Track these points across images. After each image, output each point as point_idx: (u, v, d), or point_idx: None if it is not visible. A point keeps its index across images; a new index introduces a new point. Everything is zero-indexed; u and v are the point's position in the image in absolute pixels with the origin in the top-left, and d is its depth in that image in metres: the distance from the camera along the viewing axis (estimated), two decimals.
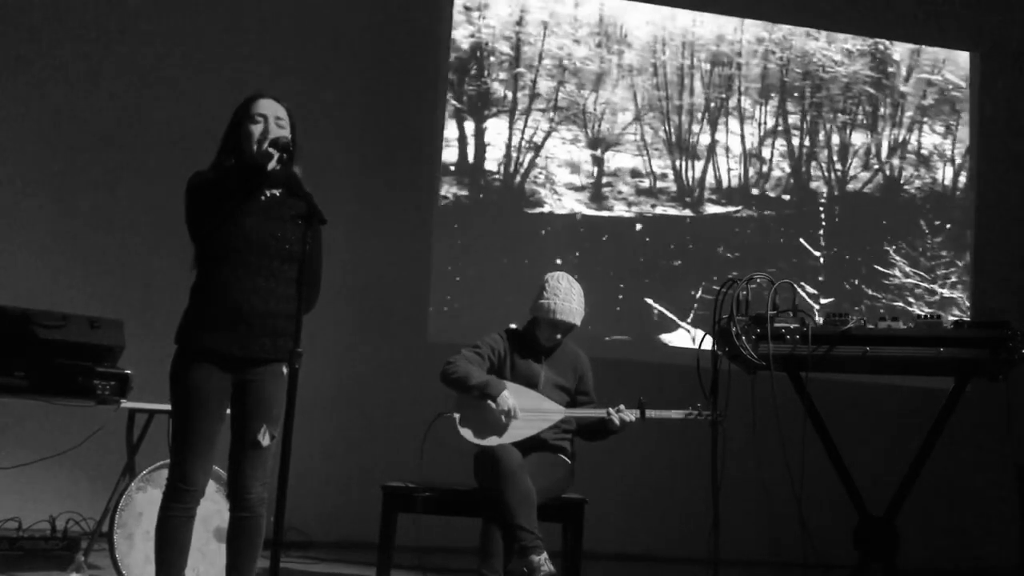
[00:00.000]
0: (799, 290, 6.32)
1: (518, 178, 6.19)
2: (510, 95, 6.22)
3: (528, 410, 3.98)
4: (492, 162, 6.21)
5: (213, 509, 3.73)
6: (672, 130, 6.43)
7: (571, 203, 6.23)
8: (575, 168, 6.28)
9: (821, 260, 6.54)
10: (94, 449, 4.26)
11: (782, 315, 3.89)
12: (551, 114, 6.27)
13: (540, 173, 6.23)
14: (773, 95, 6.63)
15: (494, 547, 3.88)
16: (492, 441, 3.93)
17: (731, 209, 6.48)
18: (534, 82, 6.23)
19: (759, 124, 6.59)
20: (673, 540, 5.66)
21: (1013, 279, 6.52)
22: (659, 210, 6.36)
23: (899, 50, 6.80)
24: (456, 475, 4.06)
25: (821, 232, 6.58)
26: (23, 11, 5.57)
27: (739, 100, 6.56)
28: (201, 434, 2.91)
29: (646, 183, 6.37)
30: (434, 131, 6.16)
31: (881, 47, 6.77)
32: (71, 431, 4.30)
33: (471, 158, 6.18)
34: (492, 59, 6.20)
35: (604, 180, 6.31)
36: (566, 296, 4.10)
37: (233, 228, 2.91)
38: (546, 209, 6.21)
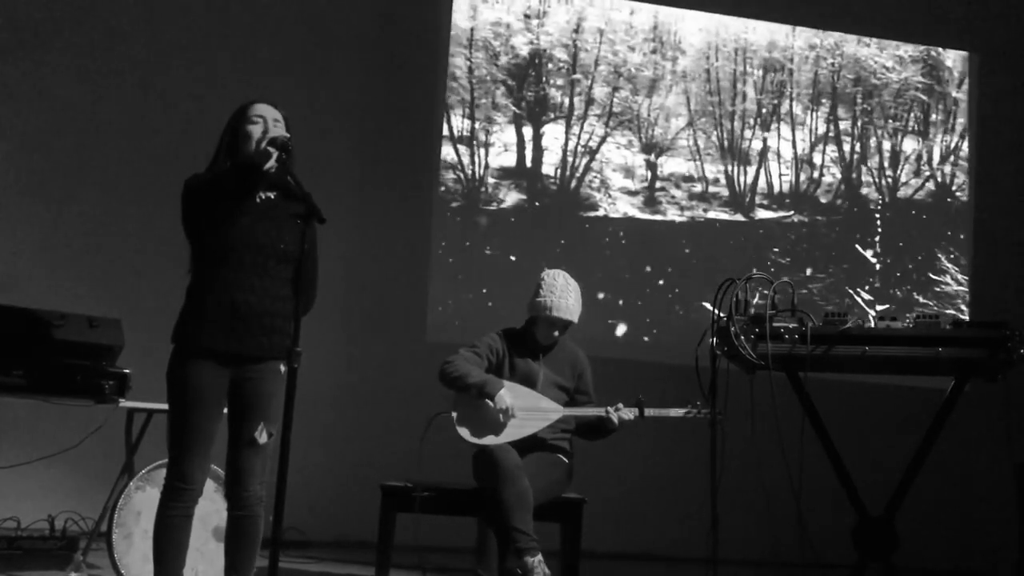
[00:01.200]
0: (856, 296, 6.40)
1: (574, 182, 6.31)
2: (567, 101, 6.35)
3: (526, 409, 3.98)
4: (549, 166, 6.34)
5: (212, 509, 3.73)
6: (724, 135, 6.54)
7: (625, 207, 6.36)
8: (629, 173, 6.40)
9: (877, 267, 6.61)
10: (93, 448, 4.26)
11: (781, 315, 3.88)
12: (606, 119, 6.39)
13: (595, 177, 6.35)
14: (824, 101, 6.71)
15: (490, 547, 3.89)
16: (489, 440, 3.92)
17: (782, 214, 6.58)
18: (590, 88, 6.38)
19: (810, 130, 6.68)
20: (672, 540, 5.66)
21: (1012, 280, 6.53)
22: (711, 215, 6.47)
23: (951, 56, 6.84)
24: (455, 475, 4.05)
25: (877, 238, 6.65)
26: (23, 11, 5.56)
27: (790, 106, 6.66)
28: (199, 432, 2.91)
29: (698, 188, 6.49)
30: (434, 130, 6.16)
31: (934, 53, 6.82)
32: (70, 430, 4.29)
33: (528, 162, 6.29)
34: (550, 66, 6.35)
35: (657, 185, 6.43)
36: (562, 293, 4.09)
37: (228, 229, 2.92)
38: (600, 213, 6.33)
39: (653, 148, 6.43)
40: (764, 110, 6.61)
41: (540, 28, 6.31)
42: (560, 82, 6.35)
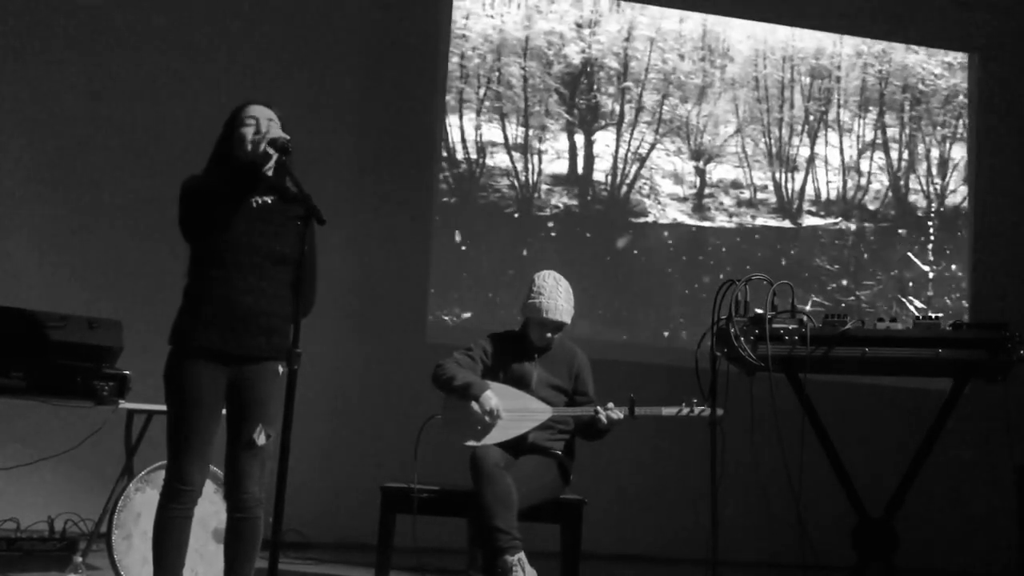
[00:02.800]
0: (908, 304, 6.40)
1: (624, 188, 6.38)
2: (617, 108, 6.43)
3: (513, 410, 3.98)
4: (600, 173, 6.39)
5: (211, 510, 3.73)
6: (772, 142, 6.60)
7: (674, 213, 6.43)
8: (678, 179, 6.47)
9: (930, 274, 6.65)
10: (92, 450, 4.26)
11: (781, 316, 3.88)
12: (656, 126, 6.47)
13: (645, 184, 6.41)
14: (872, 108, 6.75)
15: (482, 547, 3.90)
16: (474, 442, 3.93)
17: (830, 221, 6.62)
18: (640, 96, 6.46)
19: (858, 137, 6.72)
20: (671, 541, 5.66)
21: (1011, 280, 6.53)
22: (759, 221, 6.53)
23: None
24: (455, 476, 4.05)
25: (930, 246, 6.68)
26: (23, 11, 5.57)
27: (838, 113, 6.70)
28: (198, 433, 2.91)
29: (747, 194, 6.54)
30: (434, 130, 6.16)
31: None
32: (69, 432, 4.29)
33: (580, 169, 6.37)
34: (601, 74, 6.42)
35: (706, 191, 6.49)
36: (552, 295, 4.09)
37: (225, 231, 2.92)
38: (650, 219, 6.40)
39: (702, 155, 6.52)
40: (812, 117, 6.68)
41: (592, 37, 6.42)
42: (611, 90, 6.45)
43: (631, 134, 6.42)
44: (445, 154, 6.18)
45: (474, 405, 3.94)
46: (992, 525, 5.88)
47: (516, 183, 6.26)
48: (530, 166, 6.29)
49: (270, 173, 2.97)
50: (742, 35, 6.62)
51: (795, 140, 6.63)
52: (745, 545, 5.16)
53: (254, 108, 3.04)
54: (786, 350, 3.84)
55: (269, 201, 3.02)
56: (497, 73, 6.28)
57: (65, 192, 5.51)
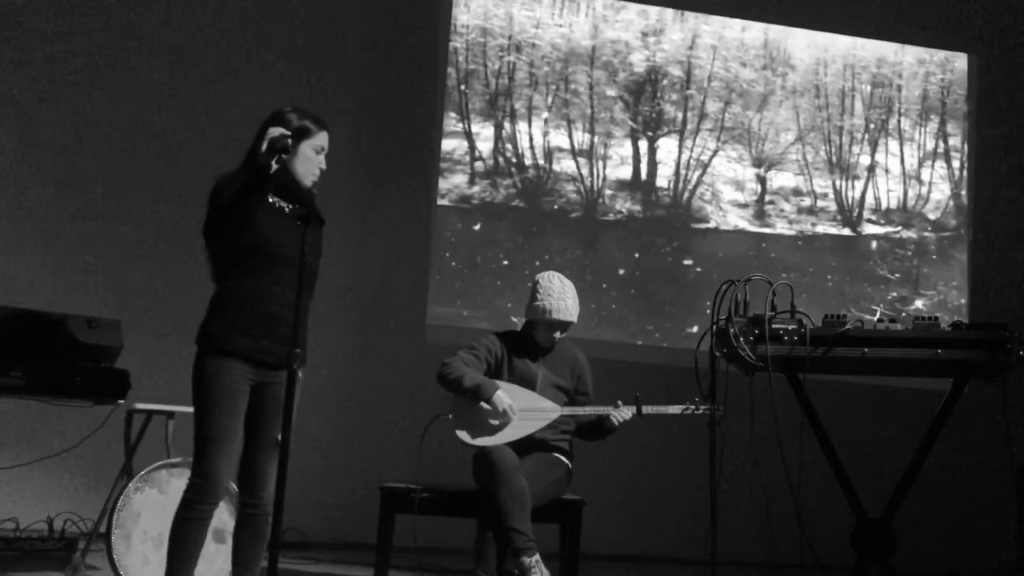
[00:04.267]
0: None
1: (686, 194, 6.45)
2: (680, 116, 6.52)
3: (524, 409, 3.98)
4: (663, 179, 6.48)
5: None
6: (833, 150, 6.67)
7: (735, 219, 6.50)
8: (739, 186, 6.54)
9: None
10: (92, 449, 4.26)
11: (780, 316, 3.88)
12: (718, 134, 6.54)
13: (706, 190, 6.48)
14: (933, 117, 6.78)
15: (489, 548, 3.89)
16: (487, 441, 3.92)
17: (890, 229, 6.67)
18: (703, 103, 6.55)
19: (919, 145, 6.76)
20: (671, 541, 5.66)
21: (1012, 279, 6.53)
22: (819, 228, 6.59)
23: None
24: (454, 476, 4.05)
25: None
26: (27, 13, 5.57)
27: (899, 121, 6.75)
28: (228, 434, 2.94)
29: (807, 202, 6.61)
30: (433, 130, 6.17)
31: None
32: (69, 431, 4.29)
33: (644, 175, 6.45)
34: (665, 82, 6.52)
35: (767, 198, 6.56)
36: (560, 296, 4.09)
37: (248, 232, 2.93)
38: (712, 224, 6.48)
39: (763, 162, 6.59)
40: (872, 125, 6.73)
41: (656, 46, 6.52)
42: (675, 97, 6.54)
43: (693, 141, 6.52)
44: (514, 160, 6.30)
45: (485, 405, 3.94)
46: (992, 525, 5.89)
47: (582, 188, 6.37)
48: (595, 172, 6.39)
49: (275, 166, 2.95)
50: (803, 43, 6.72)
51: (855, 148, 6.69)
52: (744, 545, 5.16)
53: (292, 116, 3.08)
54: (786, 350, 3.84)
55: (282, 202, 3.04)
56: (564, 81, 6.41)
57: (65, 192, 5.51)
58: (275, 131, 2.95)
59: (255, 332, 2.95)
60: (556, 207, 6.31)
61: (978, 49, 6.85)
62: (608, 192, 6.39)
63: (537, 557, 3.63)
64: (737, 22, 6.63)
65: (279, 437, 2.93)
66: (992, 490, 5.86)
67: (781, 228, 6.53)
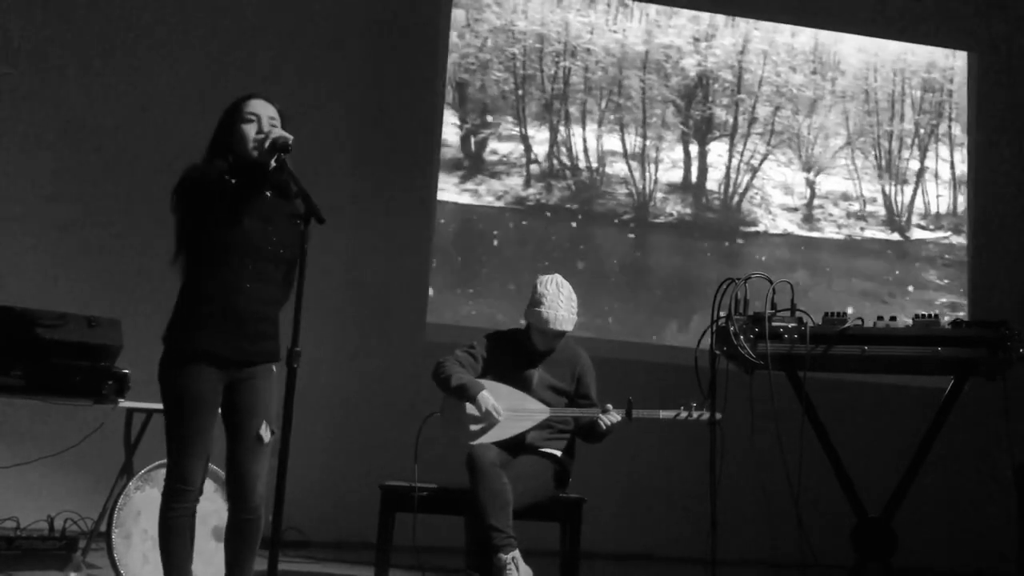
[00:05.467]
0: None
1: (736, 198, 6.52)
2: (731, 120, 6.59)
3: (511, 410, 3.98)
4: (713, 182, 6.54)
5: (211, 509, 3.72)
6: (882, 155, 6.70)
7: (784, 223, 6.56)
8: (789, 190, 6.60)
9: None
10: (92, 449, 4.26)
11: (780, 314, 3.88)
12: (768, 138, 6.60)
13: (756, 194, 6.54)
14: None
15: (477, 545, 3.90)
16: (472, 441, 3.93)
17: (939, 235, 6.69)
18: (753, 107, 6.62)
19: (969, 151, 6.76)
20: (671, 540, 5.66)
21: (1011, 279, 6.53)
22: (868, 233, 6.63)
23: None
24: (455, 475, 4.05)
25: None
26: (23, 11, 5.56)
27: (949, 127, 6.77)
28: (197, 434, 2.90)
29: (856, 206, 6.65)
30: (433, 131, 6.17)
31: None
32: (69, 431, 4.29)
33: (694, 178, 6.53)
34: (716, 86, 6.58)
35: (816, 202, 6.61)
36: (552, 304, 4.07)
37: (231, 228, 2.89)
38: (761, 228, 6.54)
39: (812, 166, 6.65)
40: (922, 130, 6.76)
41: (708, 50, 6.60)
42: (725, 101, 6.61)
43: (744, 145, 6.59)
44: (568, 163, 6.37)
45: (470, 405, 3.94)
46: (992, 525, 5.88)
47: (633, 191, 6.43)
48: (647, 175, 6.45)
49: (272, 165, 2.94)
50: (853, 48, 6.76)
51: (905, 153, 6.72)
52: (744, 544, 5.16)
53: (255, 103, 3.00)
54: (786, 348, 3.84)
55: (269, 195, 2.99)
56: (618, 85, 6.48)
57: (65, 192, 5.50)
58: (277, 132, 2.94)
59: (224, 330, 2.89)
60: (607, 209, 6.40)
61: (977, 48, 6.84)
62: (659, 195, 6.47)
63: (515, 554, 3.64)
64: (787, 27, 6.70)
65: (260, 434, 2.93)
66: (992, 489, 5.86)
67: (830, 232, 6.60)
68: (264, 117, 2.98)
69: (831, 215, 6.60)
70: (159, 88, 5.69)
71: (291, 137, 2.91)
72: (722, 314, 3.83)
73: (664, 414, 4.02)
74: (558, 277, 4.18)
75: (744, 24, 6.66)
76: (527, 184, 6.30)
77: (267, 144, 2.88)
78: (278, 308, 2.85)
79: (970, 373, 3.89)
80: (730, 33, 6.65)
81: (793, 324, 3.85)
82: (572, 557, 4.00)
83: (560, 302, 4.08)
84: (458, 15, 6.31)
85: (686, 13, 6.61)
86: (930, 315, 3.90)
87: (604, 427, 4.01)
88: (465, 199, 6.20)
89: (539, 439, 4.05)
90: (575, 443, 4.20)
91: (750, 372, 3.85)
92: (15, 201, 5.42)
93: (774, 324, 3.83)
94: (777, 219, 6.55)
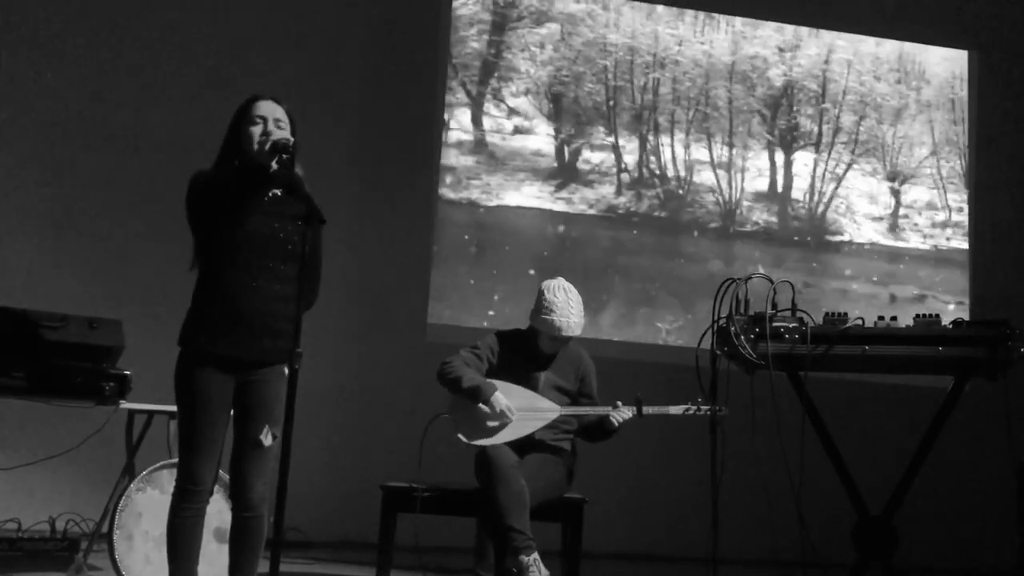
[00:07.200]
0: None
1: (821, 207, 6.58)
2: (816, 129, 6.65)
3: (523, 409, 3.98)
4: (798, 191, 6.62)
5: (213, 510, 3.68)
6: (968, 164, 6.73)
7: (869, 233, 6.62)
8: (873, 199, 6.65)
9: None
10: (93, 450, 4.26)
11: (781, 314, 3.88)
12: (852, 147, 6.67)
13: (841, 203, 6.60)
14: None
15: (489, 547, 3.89)
16: (485, 441, 3.93)
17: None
18: (838, 117, 6.70)
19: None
20: (672, 539, 5.66)
21: (1012, 278, 6.53)
22: (953, 243, 6.68)
23: None
24: (456, 475, 4.06)
25: None
26: (23, 9, 5.56)
27: None
28: (207, 436, 2.93)
29: (941, 216, 6.69)
30: (434, 131, 6.17)
31: None
32: (70, 432, 4.29)
33: (779, 187, 6.58)
34: (801, 96, 6.64)
35: (901, 212, 6.66)
36: (563, 311, 4.07)
37: (237, 228, 2.92)
38: (846, 237, 6.61)
39: (897, 176, 6.69)
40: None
41: (793, 60, 6.66)
42: (810, 111, 6.68)
43: (828, 154, 6.65)
44: (657, 172, 6.44)
45: (483, 406, 3.93)
46: (992, 524, 5.88)
47: (720, 199, 6.50)
48: (733, 184, 6.51)
49: (275, 166, 2.95)
50: (938, 57, 6.80)
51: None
52: (745, 543, 5.16)
53: (263, 105, 3.02)
54: (786, 348, 3.84)
55: (279, 194, 3.02)
56: (705, 96, 6.55)
57: (65, 192, 5.51)
58: (278, 134, 2.95)
59: (233, 332, 2.92)
60: (695, 217, 6.47)
61: (979, 45, 6.85)
62: (745, 204, 6.54)
63: (536, 556, 3.63)
64: (872, 37, 6.74)
65: (261, 438, 2.95)
66: (993, 488, 5.85)
67: (915, 242, 6.64)
68: (270, 119, 3.00)
69: (916, 224, 6.66)
70: (162, 89, 5.69)
71: (291, 139, 2.93)
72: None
73: (674, 410, 4.04)
74: (564, 282, 4.18)
75: (828, 34, 6.71)
76: (618, 193, 6.40)
77: (268, 146, 2.91)
78: (296, 306, 2.84)
79: (971, 373, 3.88)
80: (815, 43, 6.72)
81: (794, 324, 3.85)
82: (574, 557, 4.00)
83: (571, 309, 4.09)
84: (549, 30, 6.38)
85: (771, 24, 6.69)
86: (931, 315, 3.90)
87: (615, 424, 4.02)
88: (560, 207, 6.31)
89: (547, 437, 4.06)
90: (576, 443, 4.21)
91: (751, 372, 3.85)
92: (16, 201, 5.42)
93: (775, 324, 3.83)
94: (862, 228, 6.61)
